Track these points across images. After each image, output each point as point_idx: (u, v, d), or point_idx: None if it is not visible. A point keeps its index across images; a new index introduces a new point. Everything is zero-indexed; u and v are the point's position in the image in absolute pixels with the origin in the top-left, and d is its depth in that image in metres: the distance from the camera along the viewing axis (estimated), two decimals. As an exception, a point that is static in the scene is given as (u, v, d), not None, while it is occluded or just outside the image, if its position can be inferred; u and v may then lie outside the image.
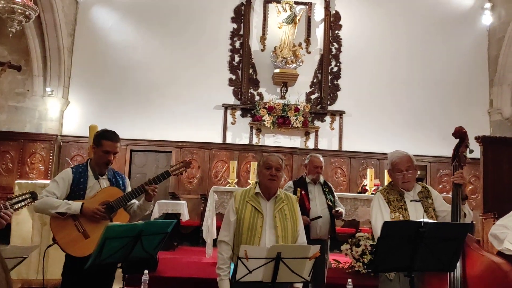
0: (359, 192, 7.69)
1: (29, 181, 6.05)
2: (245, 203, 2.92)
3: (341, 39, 10.11)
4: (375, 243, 3.18)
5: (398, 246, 2.43)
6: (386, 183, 6.70)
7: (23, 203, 2.72)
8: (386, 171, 6.65)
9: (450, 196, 2.87)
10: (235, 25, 9.99)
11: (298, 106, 9.54)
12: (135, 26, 9.76)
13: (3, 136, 8.90)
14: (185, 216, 7.69)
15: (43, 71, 9.15)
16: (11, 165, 8.93)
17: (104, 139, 3.16)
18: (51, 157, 9.00)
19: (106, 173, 3.23)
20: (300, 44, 9.83)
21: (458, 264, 2.58)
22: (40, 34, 8.88)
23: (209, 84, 9.66)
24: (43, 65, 9.12)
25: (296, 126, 9.49)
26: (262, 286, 2.52)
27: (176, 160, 8.90)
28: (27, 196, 2.75)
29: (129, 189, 3.28)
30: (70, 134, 9.38)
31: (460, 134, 2.96)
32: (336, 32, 10.12)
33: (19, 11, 6.03)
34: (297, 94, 9.70)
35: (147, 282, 3.15)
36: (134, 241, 2.62)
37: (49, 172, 8.92)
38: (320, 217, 4.28)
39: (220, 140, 9.62)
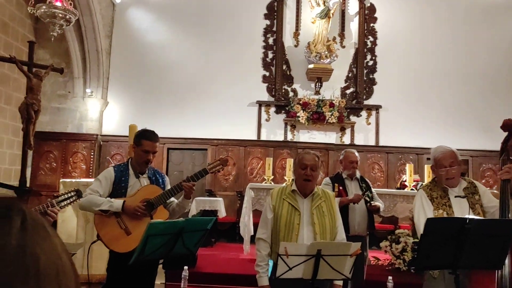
0: (397, 188, 7.54)
1: (73, 180, 6.27)
2: (281, 201, 2.91)
3: (376, 32, 9.89)
4: (416, 240, 3.11)
5: (442, 243, 2.37)
6: (426, 178, 6.54)
7: (68, 201, 2.83)
8: (427, 166, 6.51)
9: (496, 191, 2.77)
10: (268, 22, 9.94)
11: (333, 101, 9.41)
12: (170, 26, 9.90)
13: (47, 136, 9.25)
14: (222, 213, 7.77)
15: (83, 73, 9.40)
16: (54, 164, 9.27)
17: (144, 139, 3.23)
18: (92, 156, 9.28)
19: (146, 171, 3.31)
20: (334, 39, 9.67)
21: (506, 261, 2.49)
22: (79, 36, 9.12)
23: (243, 81, 9.68)
24: (83, 67, 9.37)
25: (331, 122, 9.36)
26: (302, 283, 2.51)
27: (212, 157, 8.99)
28: (72, 194, 2.85)
29: (168, 187, 3.34)
30: (109, 134, 9.63)
31: (508, 127, 2.85)
32: (371, 25, 9.90)
33: (60, 15, 6.26)
34: (332, 89, 9.56)
35: (187, 277, 3.21)
36: (176, 238, 2.66)
37: (91, 170, 9.20)
38: (369, 188, 4.41)
39: (254, 137, 9.63)
